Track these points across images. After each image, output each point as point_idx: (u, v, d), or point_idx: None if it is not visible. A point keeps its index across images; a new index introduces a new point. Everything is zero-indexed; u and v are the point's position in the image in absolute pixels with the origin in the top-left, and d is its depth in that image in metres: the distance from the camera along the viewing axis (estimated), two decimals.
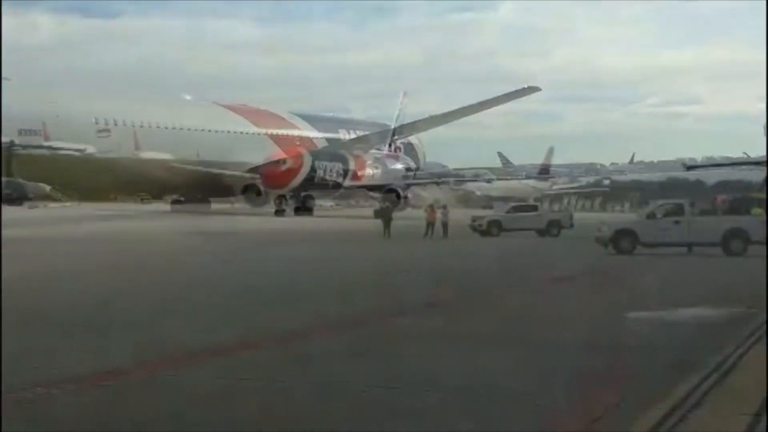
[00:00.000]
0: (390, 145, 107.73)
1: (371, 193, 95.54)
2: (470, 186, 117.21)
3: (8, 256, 25.32)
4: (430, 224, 50.81)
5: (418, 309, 17.23)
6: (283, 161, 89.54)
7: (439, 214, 52.33)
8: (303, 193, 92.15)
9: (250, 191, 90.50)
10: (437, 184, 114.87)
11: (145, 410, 8.90)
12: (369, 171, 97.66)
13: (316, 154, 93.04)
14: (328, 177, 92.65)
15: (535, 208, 61.16)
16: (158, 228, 54.44)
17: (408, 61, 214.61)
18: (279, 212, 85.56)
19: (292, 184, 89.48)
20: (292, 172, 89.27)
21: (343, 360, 11.84)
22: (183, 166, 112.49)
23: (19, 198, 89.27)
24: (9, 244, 30.18)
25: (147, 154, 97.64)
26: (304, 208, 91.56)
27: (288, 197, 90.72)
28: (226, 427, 8.32)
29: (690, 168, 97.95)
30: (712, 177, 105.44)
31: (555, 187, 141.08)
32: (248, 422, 8.69)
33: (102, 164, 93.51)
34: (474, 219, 55.58)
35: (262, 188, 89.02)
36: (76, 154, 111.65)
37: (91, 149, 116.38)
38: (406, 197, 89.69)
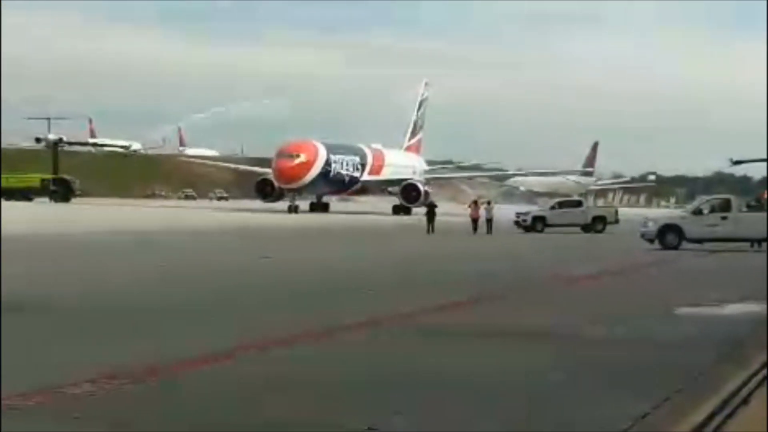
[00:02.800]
0: (411, 138, 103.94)
1: (390, 189, 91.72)
2: (514, 181, 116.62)
3: None
4: (475, 221, 50.78)
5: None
6: (296, 154, 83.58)
7: (482, 210, 52.23)
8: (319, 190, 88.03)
9: (262, 186, 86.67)
10: (467, 178, 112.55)
11: None
12: (388, 165, 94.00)
13: (332, 147, 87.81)
14: (344, 171, 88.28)
15: (579, 203, 60.96)
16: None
17: None
18: (292, 209, 79.77)
19: (306, 179, 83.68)
20: (306, 165, 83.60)
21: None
22: (215, 162, 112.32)
23: (65, 196, 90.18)
24: None
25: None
26: (319, 205, 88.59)
27: (300, 193, 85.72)
28: None
29: (736, 162, 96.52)
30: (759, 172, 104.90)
31: (599, 182, 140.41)
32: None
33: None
34: (518, 215, 55.63)
35: (275, 183, 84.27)
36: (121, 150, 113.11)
37: (136, 146, 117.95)
38: (426, 192, 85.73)
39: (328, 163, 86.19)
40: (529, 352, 11.79)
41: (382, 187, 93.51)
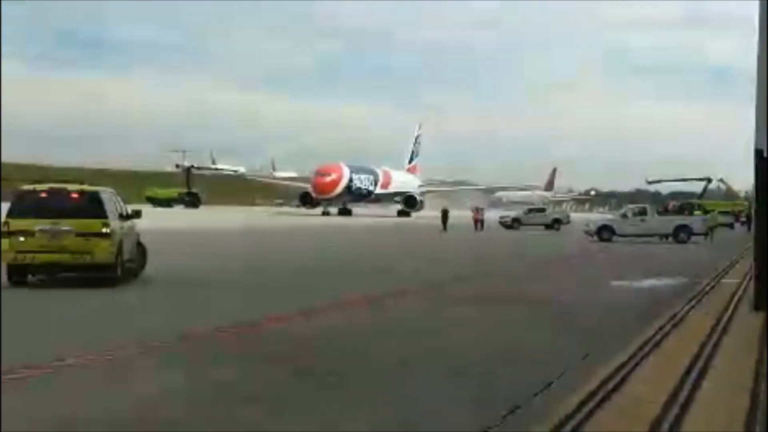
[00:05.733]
0: (409, 163, 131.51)
1: (396, 199, 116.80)
2: (499, 194, 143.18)
3: None
4: (477, 221, 69.87)
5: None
6: (328, 173, 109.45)
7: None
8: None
9: (304, 197, 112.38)
10: (451, 192, 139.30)
11: None
12: (394, 181, 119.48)
13: (353, 168, 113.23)
14: (362, 186, 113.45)
15: (543, 210, 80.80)
16: None
17: None
18: (325, 213, 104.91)
19: (335, 192, 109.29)
20: (335, 182, 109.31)
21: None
22: (265, 180, 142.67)
23: (195, 204, 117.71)
24: None
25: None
26: (345, 211, 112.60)
27: (331, 202, 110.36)
28: None
29: (651, 182, 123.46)
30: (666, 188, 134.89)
31: (557, 195, 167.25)
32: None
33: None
34: (502, 217, 75.03)
35: (313, 195, 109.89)
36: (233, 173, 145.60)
37: (242, 170, 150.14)
38: (421, 201, 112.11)
39: (351, 180, 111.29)
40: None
41: (390, 197, 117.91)
